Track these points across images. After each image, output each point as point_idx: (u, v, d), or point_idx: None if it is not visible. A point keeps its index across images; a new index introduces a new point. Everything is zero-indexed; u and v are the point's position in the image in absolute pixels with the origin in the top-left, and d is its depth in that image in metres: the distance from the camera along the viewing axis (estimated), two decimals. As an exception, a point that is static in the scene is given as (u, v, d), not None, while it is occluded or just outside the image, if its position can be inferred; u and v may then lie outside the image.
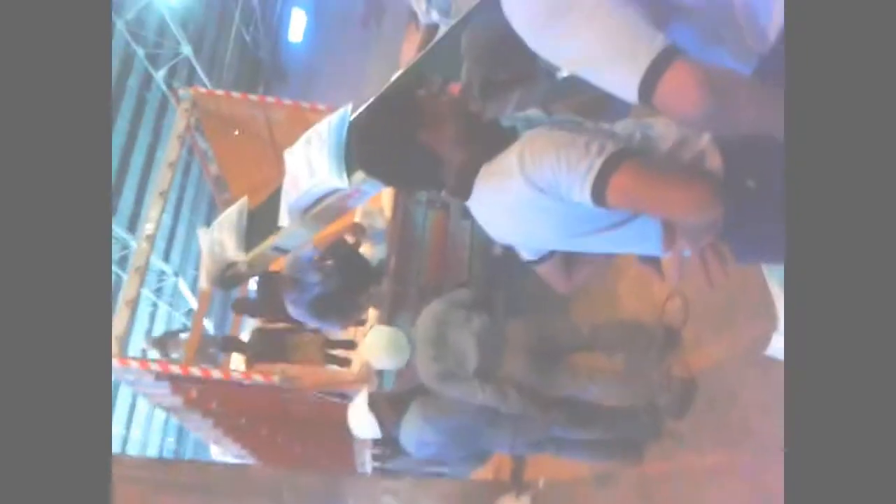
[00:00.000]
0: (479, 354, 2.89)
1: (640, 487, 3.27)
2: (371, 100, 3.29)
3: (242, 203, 3.94)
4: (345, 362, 5.36)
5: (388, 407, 3.09)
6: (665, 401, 2.96)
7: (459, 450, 3.23)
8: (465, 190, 1.46)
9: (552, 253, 1.56)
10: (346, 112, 3.19)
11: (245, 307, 5.78)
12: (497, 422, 3.08)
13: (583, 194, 1.28)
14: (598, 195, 1.27)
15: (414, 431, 3.07)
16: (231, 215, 3.95)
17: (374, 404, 3.08)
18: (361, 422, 3.12)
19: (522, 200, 1.35)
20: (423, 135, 1.44)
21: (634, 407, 3.11)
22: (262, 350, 5.27)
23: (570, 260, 1.61)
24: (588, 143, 1.30)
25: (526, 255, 1.59)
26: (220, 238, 3.89)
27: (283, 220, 3.59)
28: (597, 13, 1.16)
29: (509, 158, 1.37)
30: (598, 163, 1.26)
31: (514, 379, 2.89)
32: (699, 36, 1.27)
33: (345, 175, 2.94)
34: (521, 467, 4.20)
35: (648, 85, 1.12)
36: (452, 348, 2.92)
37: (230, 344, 5.83)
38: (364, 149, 1.57)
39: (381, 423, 3.08)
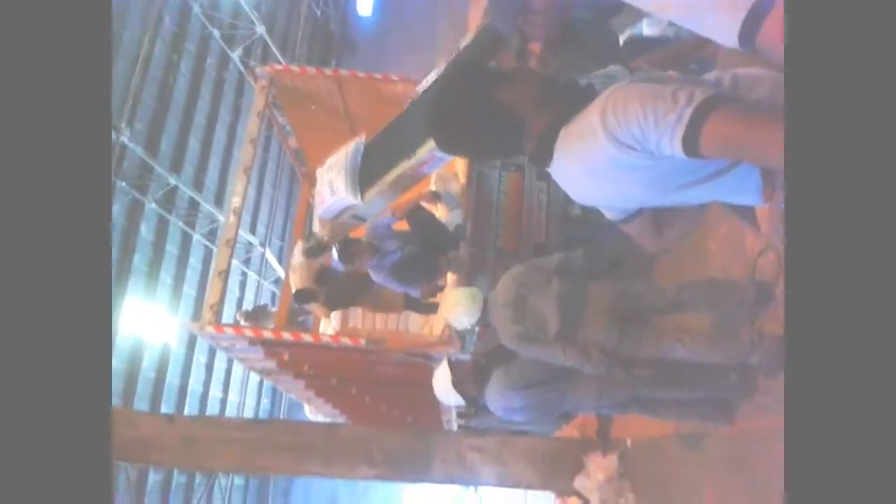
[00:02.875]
0: (559, 316, 2.88)
1: (733, 447, 3.21)
2: (443, 74, 3.38)
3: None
4: (426, 309, 5.42)
5: (471, 377, 3.20)
6: (757, 359, 2.87)
7: (546, 413, 3.29)
8: (544, 156, 1.43)
9: (640, 210, 1.50)
10: (360, 142, 3.77)
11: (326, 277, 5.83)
12: (581, 384, 3.10)
13: (674, 147, 1.21)
14: (691, 146, 1.19)
15: (499, 399, 3.17)
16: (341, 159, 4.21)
17: (456, 374, 3.17)
18: (445, 390, 3.23)
19: (608, 160, 1.29)
20: (499, 102, 1.41)
21: (724, 366, 3.04)
22: (338, 294, 5.34)
23: (659, 216, 1.55)
24: (675, 92, 1.22)
25: (611, 215, 1.53)
26: (330, 178, 4.09)
27: (315, 227, 4.23)
28: None
29: (590, 118, 1.31)
30: (688, 112, 1.18)
31: (597, 341, 2.88)
32: None
33: (358, 194, 3.55)
34: (608, 426, 4.20)
35: (750, 28, 1.09)
36: (532, 310, 2.93)
37: (305, 295, 5.68)
38: (441, 124, 1.52)
39: (465, 393, 3.18)
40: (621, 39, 2.88)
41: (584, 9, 2.24)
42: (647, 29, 3.62)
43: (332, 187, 3.67)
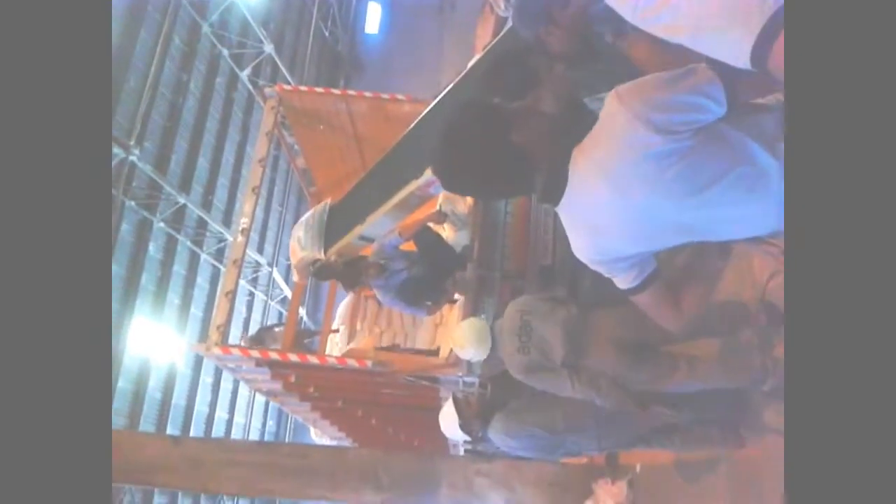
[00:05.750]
0: (565, 345, 2.83)
1: (744, 471, 3.15)
2: (449, 110, 3.44)
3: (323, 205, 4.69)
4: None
5: (476, 414, 3.22)
6: (770, 384, 2.81)
7: (547, 454, 3.30)
8: (558, 183, 1.39)
9: (653, 277, 1.46)
10: (327, 204, 4.51)
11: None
12: (580, 429, 3.09)
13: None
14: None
15: (500, 441, 3.21)
16: (310, 217, 4.50)
17: (462, 414, 3.22)
18: (452, 429, 3.27)
19: (636, 150, 1.26)
20: (508, 144, 1.38)
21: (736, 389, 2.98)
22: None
23: (674, 285, 1.50)
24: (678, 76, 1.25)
25: (622, 279, 1.48)
26: (299, 235, 4.45)
27: (294, 277, 4.92)
28: None
29: (607, 114, 1.30)
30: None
31: (606, 372, 2.82)
32: None
33: (322, 249, 4.31)
34: (617, 452, 4.14)
35: (762, 49, 1.06)
36: (537, 337, 2.88)
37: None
38: (448, 168, 1.48)
39: (471, 433, 3.23)
40: None
41: (603, 24, 2.23)
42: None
43: (301, 243, 4.43)
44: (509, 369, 3.00)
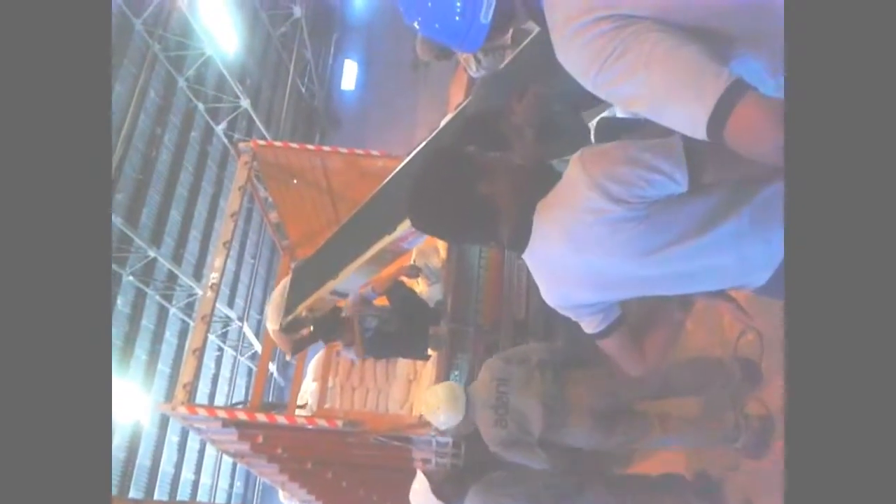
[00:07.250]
0: (543, 418, 2.83)
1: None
2: (424, 157, 3.51)
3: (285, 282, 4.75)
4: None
5: (446, 481, 3.12)
6: (743, 441, 2.81)
7: None
8: (522, 234, 1.43)
9: (617, 323, 1.49)
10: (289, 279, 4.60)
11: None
12: (561, 499, 3.03)
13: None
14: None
15: None
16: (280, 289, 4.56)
17: (433, 481, 3.11)
18: (425, 501, 3.13)
19: (592, 213, 1.29)
20: (478, 194, 1.43)
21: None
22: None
23: (638, 332, 1.54)
24: (642, 149, 1.27)
25: (588, 324, 1.51)
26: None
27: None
28: (655, 53, 1.13)
29: (569, 176, 1.34)
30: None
31: (580, 444, 2.84)
32: (766, 66, 1.22)
33: (278, 322, 4.41)
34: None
35: (718, 121, 1.08)
36: (514, 411, 2.87)
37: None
38: (420, 210, 1.54)
39: (447, 499, 3.10)
40: (594, 122, 2.95)
41: (560, 101, 2.30)
42: (619, 112, 3.72)
43: (268, 315, 4.69)
44: (485, 439, 2.95)
